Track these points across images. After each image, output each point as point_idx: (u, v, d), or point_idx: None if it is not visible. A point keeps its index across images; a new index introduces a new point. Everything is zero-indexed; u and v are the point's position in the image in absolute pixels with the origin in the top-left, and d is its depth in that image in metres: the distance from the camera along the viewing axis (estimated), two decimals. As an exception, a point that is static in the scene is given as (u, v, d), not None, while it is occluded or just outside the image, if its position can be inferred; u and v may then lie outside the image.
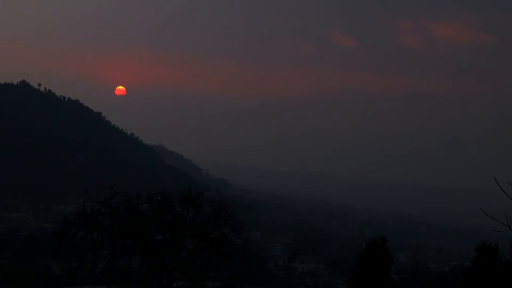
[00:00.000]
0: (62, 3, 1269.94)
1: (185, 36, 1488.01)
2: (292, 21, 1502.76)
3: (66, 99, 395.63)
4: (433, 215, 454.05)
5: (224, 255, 39.63)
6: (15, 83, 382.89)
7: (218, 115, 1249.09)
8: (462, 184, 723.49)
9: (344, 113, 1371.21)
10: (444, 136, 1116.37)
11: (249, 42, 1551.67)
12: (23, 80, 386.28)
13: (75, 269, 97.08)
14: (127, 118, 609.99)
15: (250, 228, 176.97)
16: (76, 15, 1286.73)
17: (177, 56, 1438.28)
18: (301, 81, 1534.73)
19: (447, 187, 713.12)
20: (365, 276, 42.39)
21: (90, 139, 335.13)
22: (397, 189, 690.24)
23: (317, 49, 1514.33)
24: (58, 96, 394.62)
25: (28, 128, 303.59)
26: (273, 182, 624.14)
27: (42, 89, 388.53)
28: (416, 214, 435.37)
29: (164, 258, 38.68)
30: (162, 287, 38.39)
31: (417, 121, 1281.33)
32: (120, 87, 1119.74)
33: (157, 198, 38.81)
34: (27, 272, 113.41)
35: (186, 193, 38.97)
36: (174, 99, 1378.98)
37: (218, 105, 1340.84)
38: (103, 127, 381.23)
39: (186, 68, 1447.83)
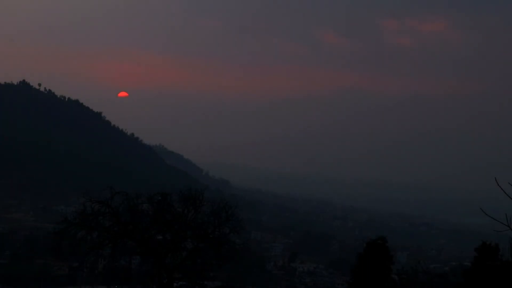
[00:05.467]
0: (62, 4, 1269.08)
1: (185, 37, 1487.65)
2: (290, 21, 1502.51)
3: (66, 99, 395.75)
4: (433, 215, 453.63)
5: (224, 255, 39.59)
6: (15, 83, 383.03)
7: (218, 115, 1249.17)
8: (462, 184, 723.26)
9: (344, 113, 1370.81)
10: (443, 136, 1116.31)
11: (249, 42, 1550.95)
12: (23, 80, 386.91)
13: (75, 269, 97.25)
14: (128, 119, 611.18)
15: (250, 228, 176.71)
16: (76, 16, 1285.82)
17: (178, 57, 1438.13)
18: (301, 80, 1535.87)
19: (447, 187, 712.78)
20: (365, 276, 42.38)
21: (90, 139, 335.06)
22: (397, 189, 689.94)
23: (313, 50, 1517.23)
24: (58, 96, 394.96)
25: (28, 127, 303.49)
26: (273, 182, 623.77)
27: (42, 89, 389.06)
28: (416, 214, 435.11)
29: (164, 258, 38.65)
30: (162, 287, 38.36)
31: (416, 121, 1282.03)
32: (123, 91, 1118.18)
33: (157, 198, 38.77)
34: (27, 272, 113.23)
35: (186, 193, 38.92)
36: (175, 99, 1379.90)
37: (218, 106, 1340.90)
38: (103, 127, 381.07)
39: (186, 68, 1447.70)
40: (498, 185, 14.52)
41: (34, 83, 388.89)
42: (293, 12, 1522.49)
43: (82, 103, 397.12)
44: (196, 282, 39.60)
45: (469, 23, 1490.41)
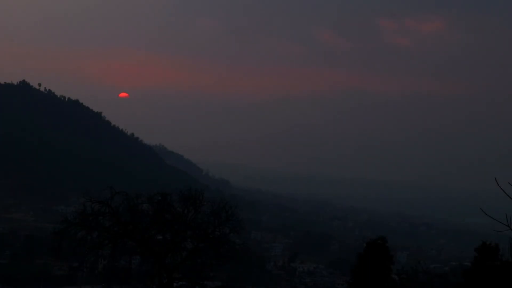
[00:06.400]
0: (63, 4, 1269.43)
1: (185, 37, 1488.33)
2: (288, 21, 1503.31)
3: (66, 99, 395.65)
4: (433, 215, 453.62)
5: (224, 255, 39.57)
6: (15, 83, 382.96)
7: (218, 115, 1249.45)
8: (462, 184, 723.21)
9: (343, 112, 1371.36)
10: (443, 136, 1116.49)
11: (248, 42, 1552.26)
12: (23, 80, 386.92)
13: (75, 269, 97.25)
14: (128, 119, 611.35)
15: (250, 228, 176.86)
16: (76, 16, 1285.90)
17: (177, 57, 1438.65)
18: (300, 80, 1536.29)
19: (447, 187, 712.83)
20: (365, 276, 42.38)
21: (90, 139, 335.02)
22: (398, 189, 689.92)
23: (312, 50, 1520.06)
24: (58, 96, 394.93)
25: (28, 128, 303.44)
26: (273, 182, 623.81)
27: (42, 89, 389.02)
28: (416, 214, 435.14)
29: (164, 258, 38.63)
30: (162, 287, 38.35)
31: (415, 121, 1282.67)
32: (123, 92, 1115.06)
33: (157, 198, 38.74)
34: (27, 272, 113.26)
35: (186, 193, 38.89)
36: (175, 99, 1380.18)
37: (218, 105, 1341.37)
38: (103, 127, 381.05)
39: (186, 68, 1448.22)
40: (498, 185, 14.51)
41: (34, 83, 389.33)
42: (291, 12, 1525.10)
43: (82, 103, 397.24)
44: (196, 282, 39.59)
45: (467, 23, 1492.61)
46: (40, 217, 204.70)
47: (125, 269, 40.86)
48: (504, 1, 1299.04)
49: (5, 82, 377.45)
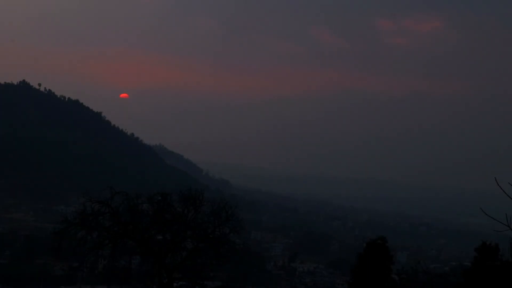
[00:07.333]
0: (63, 4, 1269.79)
1: (185, 37, 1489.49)
2: (287, 21, 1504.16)
3: (66, 99, 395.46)
4: (433, 215, 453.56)
5: (224, 255, 39.57)
6: (15, 83, 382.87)
7: (218, 115, 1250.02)
8: (462, 184, 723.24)
9: (344, 113, 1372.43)
10: (443, 135, 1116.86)
11: (248, 41, 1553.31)
12: (23, 80, 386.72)
13: (75, 269, 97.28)
14: (128, 119, 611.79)
15: (250, 228, 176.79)
16: (76, 16, 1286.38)
17: (177, 57, 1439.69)
18: (299, 80, 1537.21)
19: (447, 187, 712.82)
20: (365, 276, 42.38)
21: (90, 139, 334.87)
22: (397, 189, 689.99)
23: (309, 49, 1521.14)
24: (58, 96, 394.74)
25: (28, 128, 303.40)
26: (273, 182, 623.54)
27: (42, 89, 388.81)
28: (416, 214, 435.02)
29: (164, 258, 38.62)
30: (162, 287, 38.35)
31: (415, 121, 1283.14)
32: (124, 93, 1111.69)
33: (157, 198, 38.73)
34: (27, 272, 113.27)
35: (186, 193, 38.88)
36: (175, 99, 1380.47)
37: (218, 106, 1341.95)
38: (103, 127, 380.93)
39: (186, 68, 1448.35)
40: (498, 185, 14.50)
41: (34, 83, 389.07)
42: (290, 12, 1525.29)
43: (82, 103, 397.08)
44: (196, 282, 39.59)
45: (465, 23, 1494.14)
46: (40, 217, 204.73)
47: (125, 269, 40.87)
48: (502, 1, 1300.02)
49: (5, 82, 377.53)
